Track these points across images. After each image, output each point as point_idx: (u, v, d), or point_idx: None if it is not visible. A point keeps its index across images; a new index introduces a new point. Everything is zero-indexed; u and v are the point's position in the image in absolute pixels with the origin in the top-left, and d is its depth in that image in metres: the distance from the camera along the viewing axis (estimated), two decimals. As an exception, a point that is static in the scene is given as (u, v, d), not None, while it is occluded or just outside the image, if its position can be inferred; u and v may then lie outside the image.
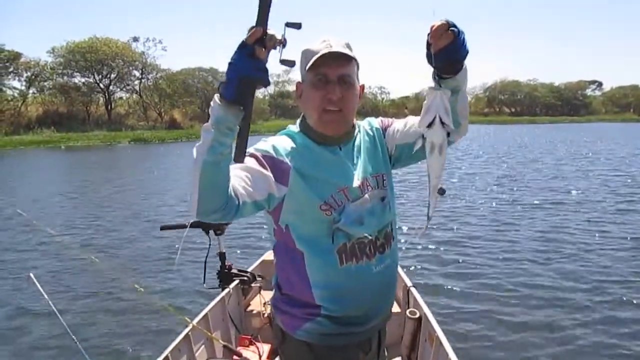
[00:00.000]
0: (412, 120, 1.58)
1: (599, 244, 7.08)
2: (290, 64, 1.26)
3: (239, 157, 1.21)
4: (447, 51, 1.23)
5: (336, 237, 1.49)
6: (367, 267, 1.54)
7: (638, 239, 7.28)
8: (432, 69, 1.30)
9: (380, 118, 1.74)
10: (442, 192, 1.29)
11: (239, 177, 1.31)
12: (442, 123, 1.23)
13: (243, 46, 1.12)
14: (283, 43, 1.17)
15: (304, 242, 1.51)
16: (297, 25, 1.23)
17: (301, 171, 1.45)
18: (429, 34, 1.22)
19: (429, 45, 1.25)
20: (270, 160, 1.41)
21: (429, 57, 1.27)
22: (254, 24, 1.12)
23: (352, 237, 1.51)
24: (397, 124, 1.65)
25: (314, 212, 1.47)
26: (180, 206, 10.87)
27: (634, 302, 4.94)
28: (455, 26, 1.21)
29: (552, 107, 78.25)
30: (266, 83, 1.15)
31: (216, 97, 1.17)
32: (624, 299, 5.02)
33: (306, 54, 1.46)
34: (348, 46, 1.47)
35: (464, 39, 1.24)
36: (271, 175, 1.39)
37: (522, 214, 9.17)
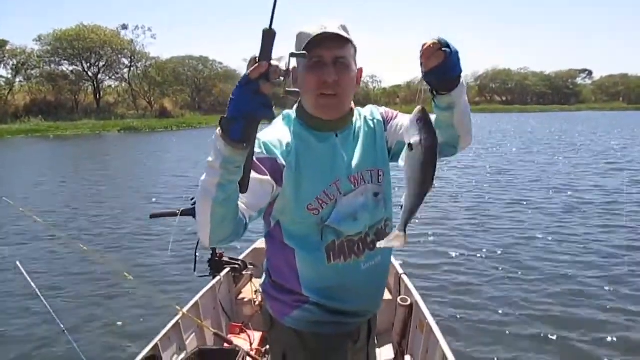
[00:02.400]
0: None
1: (593, 232, 7.14)
2: (295, 94, 1.23)
3: (243, 188, 1.16)
4: (438, 71, 1.20)
5: (325, 234, 1.47)
6: (354, 264, 1.51)
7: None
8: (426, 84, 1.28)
9: (383, 109, 1.66)
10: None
11: (241, 195, 1.26)
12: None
13: (247, 82, 1.04)
14: (288, 74, 1.12)
15: (292, 239, 1.49)
16: (303, 56, 1.20)
17: (294, 169, 1.41)
18: (420, 52, 1.19)
19: (422, 62, 1.22)
20: (266, 162, 1.36)
21: (423, 73, 1.24)
22: (257, 56, 1.04)
23: (341, 234, 1.48)
24: (402, 120, 1.57)
25: (302, 212, 1.44)
26: (170, 194, 10.82)
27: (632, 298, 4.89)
28: (448, 45, 1.18)
29: (543, 95, 78.73)
30: (272, 118, 1.10)
31: (219, 133, 1.09)
32: (622, 294, 4.97)
33: (301, 37, 1.40)
34: (344, 28, 1.41)
35: (457, 59, 1.21)
36: (269, 178, 1.35)
37: (516, 205, 9.19)
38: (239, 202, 1.26)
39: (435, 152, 1.20)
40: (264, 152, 1.37)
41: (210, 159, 1.13)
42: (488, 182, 11.66)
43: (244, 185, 1.15)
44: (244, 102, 1.05)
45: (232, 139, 1.08)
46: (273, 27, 1.04)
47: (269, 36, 1.04)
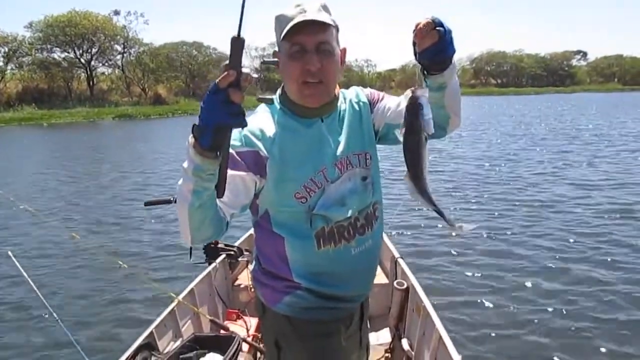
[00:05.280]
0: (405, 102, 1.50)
1: (595, 218, 7.15)
2: (269, 101, 1.20)
3: (220, 194, 1.14)
4: (432, 51, 1.18)
5: (314, 221, 1.45)
6: (345, 250, 1.49)
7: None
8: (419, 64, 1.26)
9: (369, 90, 1.63)
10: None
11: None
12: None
13: (216, 91, 1.02)
14: (260, 81, 1.08)
15: (281, 227, 1.47)
16: (275, 63, 1.18)
17: (278, 160, 1.38)
18: (414, 31, 1.17)
19: (415, 42, 1.20)
20: (247, 155, 1.34)
21: (415, 54, 1.22)
22: (227, 63, 1.02)
23: (330, 221, 1.46)
24: (389, 101, 1.55)
25: (289, 201, 1.42)
26: (165, 182, 10.78)
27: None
28: (442, 25, 1.16)
29: (538, 77, 78.86)
30: (243, 126, 1.07)
31: (191, 140, 1.09)
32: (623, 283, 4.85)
33: (280, 20, 1.34)
34: (325, 9, 1.36)
35: (450, 38, 1.19)
36: (248, 173, 1.34)
37: (514, 188, 9.19)
38: (219, 201, 1.25)
39: (411, 146, 1.20)
40: (245, 145, 1.35)
41: (184, 165, 1.13)
42: (487, 164, 11.66)
43: (220, 191, 1.13)
44: (213, 111, 1.03)
45: (202, 147, 1.07)
46: (242, 35, 1.01)
47: (237, 44, 1.01)
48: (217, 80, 1.02)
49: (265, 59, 1.17)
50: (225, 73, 1.00)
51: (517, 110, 33.78)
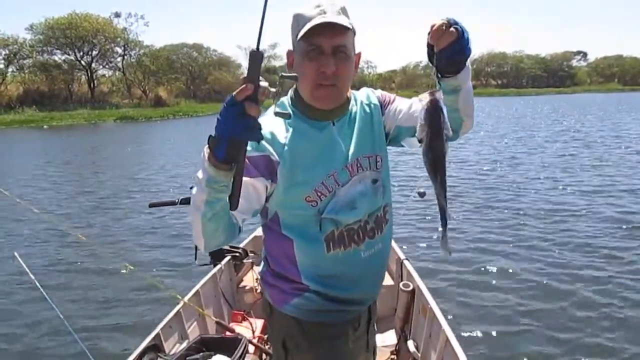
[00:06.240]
0: (417, 104, 1.45)
1: (597, 213, 7.14)
2: (286, 116, 1.21)
3: (233, 206, 1.13)
4: (450, 51, 1.17)
5: (324, 224, 1.44)
6: (354, 253, 1.49)
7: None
8: (433, 67, 1.25)
9: (379, 91, 1.61)
10: (422, 195, 1.28)
11: None
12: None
13: (232, 104, 1.02)
14: (277, 95, 1.09)
15: (290, 230, 1.46)
16: (294, 78, 1.19)
17: (289, 164, 1.37)
18: (429, 34, 1.16)
19: (430, 44, 1.19)
20: (258, 160, 1.33)
21: (430, 56, 1.21)
22: (245, 76, 1.02)
23: (340, 224, 1.45)
24: (400, 104, 1.54)
25: (299, 204, 1.41)
26: (169, 182, 10.78)
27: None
28: (457, 24, 1.15)
29: (539, 78, 78.87)
30: (259, 140, 1.07)
31: (206, 151, 1.09)
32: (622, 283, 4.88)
33: (297, 19, 1.33)
34: (344, 11, 1.35)
35: (467, 38, 1.18)
36: (259, 179, 1.33)
37: (519, 185, 9.18)
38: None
39: (437, 149, 1.18)
40: (255, 149, 1.34)
41: (199, 175, 1.14)
42: (494, 164, 11.66)
43: (233, 203, 1.12)
44: (229, 124, 1.03)
45: (217, 159, 1.07)
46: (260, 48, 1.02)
47: (256, 57, 1.01)
48: (234, 93, 1.01)
49: (284, 74, 1.16)
50: (243, 86, 1.00)
51: (517, 111, 33.74)
